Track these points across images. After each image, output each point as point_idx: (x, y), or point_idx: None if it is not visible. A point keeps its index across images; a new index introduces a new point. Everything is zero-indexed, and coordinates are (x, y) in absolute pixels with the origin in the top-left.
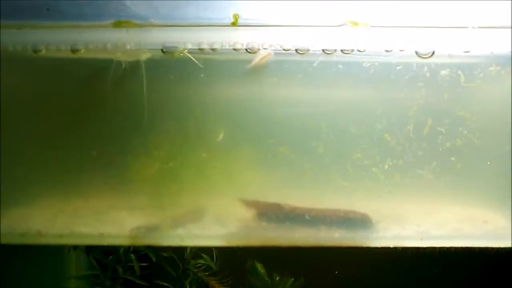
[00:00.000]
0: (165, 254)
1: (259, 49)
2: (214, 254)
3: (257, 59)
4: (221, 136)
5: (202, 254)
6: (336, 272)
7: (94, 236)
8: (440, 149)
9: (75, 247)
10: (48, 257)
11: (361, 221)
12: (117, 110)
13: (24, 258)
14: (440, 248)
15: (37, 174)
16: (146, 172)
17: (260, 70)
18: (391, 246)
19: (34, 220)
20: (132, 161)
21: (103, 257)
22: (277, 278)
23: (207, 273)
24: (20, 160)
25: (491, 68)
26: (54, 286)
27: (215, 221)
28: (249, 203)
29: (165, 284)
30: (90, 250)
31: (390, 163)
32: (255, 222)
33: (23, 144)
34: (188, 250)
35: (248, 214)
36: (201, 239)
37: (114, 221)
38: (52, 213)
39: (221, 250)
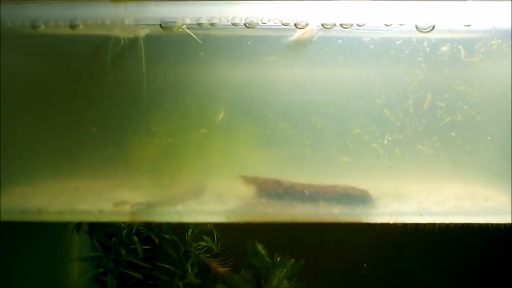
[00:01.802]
0: (167, 236)
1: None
2: (215, 236)
3: (299, 33)
4: (221, 115)
5: (204, 236)
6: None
7: (94, 213)
8: (440, 124)
9: (78, 229)
10: (51, 239)
11: (361, 197)
12: (116, 86)
13: (27, 241)
14: (440, 224)
15: (37, 152)
16: (146, 150)
17: (303, 45)
18: (391, 222)
19: (34, 197)
20: (132, 138)
21: (106, 239)
22: (278, 259)
23: (208, 255)
24: (20, 138)
25: (492, 42)
26: (58, 268)
27: (214, 197)
28: (248, 180)
29: (167, 266)
30: (93, 232)
31: (390, 138)
32: (254, 199)
33: (23, 122)
34: (190, 232)
35: (247, 190)
36: (200, 215)
37: (114, 198)
38: (52, 191)
39: (222, 232)
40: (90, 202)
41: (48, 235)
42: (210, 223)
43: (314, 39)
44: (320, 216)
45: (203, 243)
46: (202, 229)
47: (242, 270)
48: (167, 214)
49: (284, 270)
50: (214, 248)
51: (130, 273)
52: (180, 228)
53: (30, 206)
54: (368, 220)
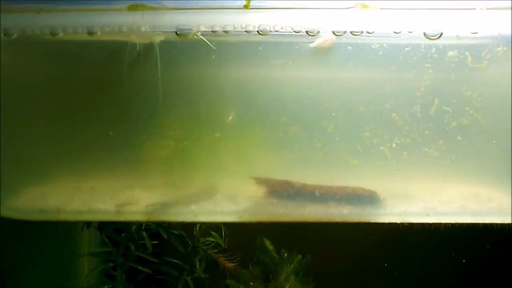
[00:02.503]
0: (175, 232)
1: (318, 32)
2: (223, 232)
3: (319, 41)
4: (230, 117)
5: (211, 232)
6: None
7: (111, 213)
8: (447, 128)
9: (88, 225)
10: (61, 235)
11: (369, 198)
12: (132, 90)
13: (38, 237)
14: (446, 224)
15: (55, 153)
16: (160, 152)
17: (323, 52)
18: (398, 222)
19: (53, 197)
20: (147, 141)
21: (116, 234)
22: (285, 255)
23: (216, 251)
24: (38, 140)
25: (498, 49)
26: (68, 263)
27: (227, 198)
28: (260, 181)
29: (175, 261)
30: (103, 228)
31: (398, 141)
32: (266, 199)
33: (42, 126)
34: (197, 228)
35: (259, 191)
36: (214, 215)
37: (130, 198)
38: (70, 191)
39: (230, 228)
40: (107, 202)
41: (58, 231)
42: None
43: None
44: (330, 216)
45: (211, 239)
46: (210, 225)
47: (250, 266)
48: (182, 214)
49: (292, 266)
50: (221, 244)
51: (139, 267)
52: (188, 224)
53: (49, 206)
54: (376, 220)
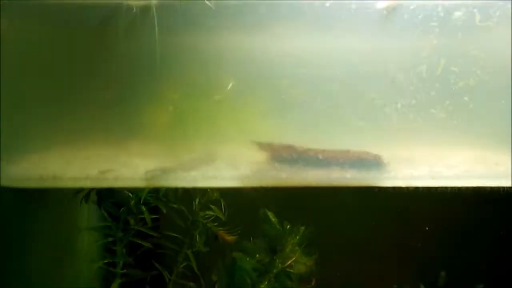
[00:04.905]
0: (175, 206)
1: None
2: (222, 206)
3: None
4: (230, 85)
5: (211, 206)
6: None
7: (109, 179)
8: (453, 88)
9: (87, 199)
10: (60, 210)
11: (373, 162)
12: (130, 54)
13: (37, 212)
14: (451, 188)
15: (51, 121)
16: (159, 118)
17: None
18: (403, 186)
19: (50, 165)
20: (144, 106)
21: (115, 209)
22: (288, 227)
23: (215, 224)
24: (34, 107)
25: (508, 6)
26: (68, 238)
27: (229, 163)
28: (262, 145)
29: (175, 235)
30: (102, 202)
31: (403, 102)
32: (268, 164)
33: (39, 94)
34: (197, 202)
35: (261, 156)
36: (215, 180)
37: (128, 164)
38: (67, 158)
39: (229, 202)
40: (105, 169)
41: (57, 206)
42: (217, 191)
43: (327, 5)
44: (333, 180)
45: (210, 212)
46: (209, 199)
47: (251, 238)
48: (182, 180)
49: (297, 237)
50: (221, 217)
51: (139, 242)
52: (187, 198)
53: (47, 173)
54: (380, 184)
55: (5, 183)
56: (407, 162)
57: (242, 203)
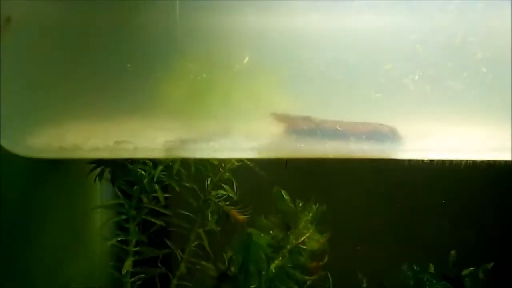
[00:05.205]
0: (187, 185)
1: None
2: (234, 185)
3: None
4: (246, 59)
5: (223, 185)
6: None
7: (129, 150)
8: (471, 60)
9: (101, 177)
10: (73, 188)
11: (389, 134)
12: (150, 26)
13: (49, 190)
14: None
15: (70, 91)
16: (177, 90)
17: None
18: (418, 158)
19: (70, 136)
20: (163, 78)
21: (128, 187)
22: (300, 205)
23: (227, 203)
24: (54, 77)
25: None
26: (81, 216)
27: (246, 134)
28: (279, 117)
29: (187, 213)
30: (115, 180)
31: (421, 74)
32: (285, 135)
33: (56, 64)
34: (209, 181)
35: (278, 127)
36: (233, 152)
37: (147, 135)
38: (86, 130)
39: (241, 181)
40: (124, 139)
41: (69, 184)
42: (229, 171)
43: None
44: (351, 152)
45: (222, 192)
46: (221, 178)
47: (262, 216)
48: (201, 150)
49: (310, 215)
50: (233, 196)
51: (152, 220)
52: (199, 177)
53: (67, 144)
54: (395, 156)
55: (25, 153)
56: (423, 134)
57: (254, 182)
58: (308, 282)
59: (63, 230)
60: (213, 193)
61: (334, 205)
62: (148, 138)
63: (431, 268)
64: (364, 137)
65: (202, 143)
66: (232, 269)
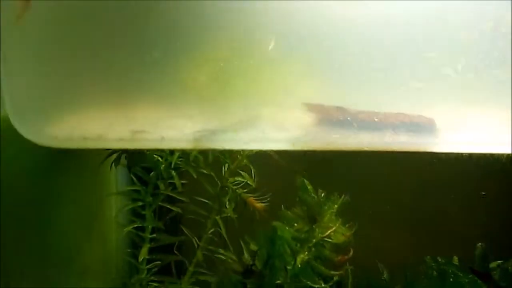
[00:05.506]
0: (204, 171)
1: None
2: (252, 172)
3: None
4: (272, 44)
5: (241, 172)
6: None
7: (155, 140)
8: None
9: (117, 163)
10: (89, 174)
11: (427, 126)
12: (174, 12)
13: (66, 177)
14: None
15: (94, 79)
16: (204, 78)
17: None
18: (457, 151)
19: (93, 126)
20: (189, 67)
21: (144, 173)
22: (322, 195)
23: (245, 190)
24: (78, 65)
25: None
26: (96, 203)
27: (277, 125)
28: (312, 107)
29: (205, 200)
30: (132, 166)
31: (464, 63)
32: (318, 126)
33: (80, 51)
34: (226, 168)
35: (311, 118)
36: (265, 143)
37: (174, 125)
38: (111, 120)
39: (259, 168)
40: (149, 130)
41: (85, 170)
42: (246, 158)
43: None
44: (387, 144)
45: (240, 179)
46: (239, 165)
47: (282, 205)
48: (231, 141)
49: (336, 206)
50: (251, 183)
51: (169, 206)
52: (216, 164)
53: (90, 133)
54: (433, 149)
55: (47, 143)
56: (464, 126)
57: (272, 170)
58: (335, 278)
59: (79, 217)
60: (231, 180)
61: (355, 194)
62: (175, 128)
63: (455, 260)
64: (403, 129)
65: (232, 134)
66: (257, 263)
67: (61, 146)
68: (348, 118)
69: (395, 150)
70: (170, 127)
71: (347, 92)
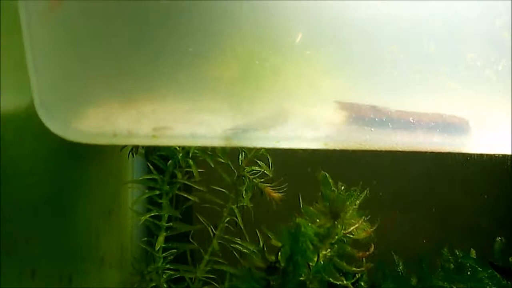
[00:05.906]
0: (222, 160)
1: None
2: (270, 162)
3: None
4: (299, 37)
5: (258, 161)
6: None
7: (186, 137)
8: None
9: (136, 152)
10: (106, 163)
11: (461, 127)
12: (203, 8)
13: (83, 165)
14: None
15: (124, 76)
16: (233, 74)
17: None
18: (488, 153)
19: (122, 121)
20: (218, 62)
21: (162, 161)
22: (342, 188)
23: (262, 180)
24: (103, 61)
25: None
26: (113, 191)
27: (307, 123)
28: (344, 106)
29: (221, 189)
30: (149, 154)
31: (505, 64)
32: (350, 125)
33: (109, 44)
34: (243, 157)
35: (343, 116)
36: (297, 141)
37: (205, 122)
38: (140, 116)
39: (276, 158)
40: (180, 127)
41: (102, 159)
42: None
43: None
44: (420, 144)
45: (257, 168)
46: (256, 154)
47: (299, 197)
48: (263, 139)
49: (358, 202)
50: (268, 173)
51: (185, 195)
52: (233, 153)
53: (120, 129)
54: (465, 150)
55: (75, 138)
56: (499, 128)
57: (289, 160)
58: (357, 276)
59: (97, 206)
60: (248, 169)
61: (374, 188)
62: (205, 125)
63: (473, 253)
64: (437, 130)
65: (263, 132)
66: (279, 259)
67: (90, 142)
68: (384, 119)
69: (428, 150)
70: (200, 124)
71: (381, 92)
